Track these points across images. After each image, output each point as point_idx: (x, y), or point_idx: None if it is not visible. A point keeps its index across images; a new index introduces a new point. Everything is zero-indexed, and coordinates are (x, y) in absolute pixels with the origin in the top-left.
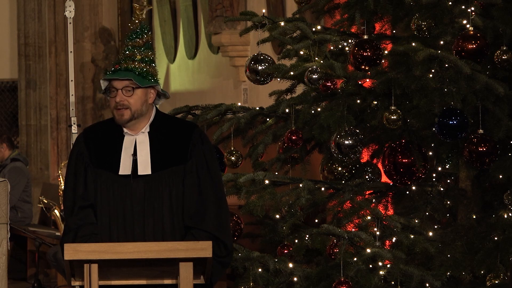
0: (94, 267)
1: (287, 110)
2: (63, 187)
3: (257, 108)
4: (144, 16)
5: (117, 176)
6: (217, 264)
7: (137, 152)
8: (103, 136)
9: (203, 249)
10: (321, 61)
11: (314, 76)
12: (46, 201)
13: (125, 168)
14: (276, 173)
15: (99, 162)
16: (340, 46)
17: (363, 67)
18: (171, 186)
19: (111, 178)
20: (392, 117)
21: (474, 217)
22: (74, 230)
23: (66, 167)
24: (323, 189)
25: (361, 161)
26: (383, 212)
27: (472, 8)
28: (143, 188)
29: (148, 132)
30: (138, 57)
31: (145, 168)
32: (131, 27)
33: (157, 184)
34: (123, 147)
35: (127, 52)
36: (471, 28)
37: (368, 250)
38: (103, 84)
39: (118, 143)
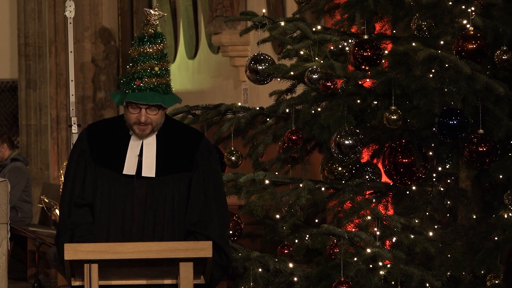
0: (94, 267)
1: (287, 110)
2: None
3: (257, 108)
4: (158, 24)
5: (120, 175)
6: (218, 267)
7: (143, 153)
8: (108, 134)
9: (203, 249)
10: (321, 61)
11: (314, 76)
12: (46, 201)
13: (129, 168)
14: (276, 173)
15: (101, 160)
16: (340, 46)
17: (363, 67)
18: (174, 192)
19: (113, 176)
20: (392, 117)
21: (474, 217)
22: (70, 229)
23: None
24: (323, 189)
25: (361, 161)
26: (383, 212)
27: (472, 8)
28: (145, 191)
29: (156, 135)
30: (156, 68)
31: (149, 170)
32: (144, 31)
33: (160, 188)
34: (129, 147)
35: (143, 62)
36: (471, 28)
37: (368, 250)
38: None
39: (124, 142)
